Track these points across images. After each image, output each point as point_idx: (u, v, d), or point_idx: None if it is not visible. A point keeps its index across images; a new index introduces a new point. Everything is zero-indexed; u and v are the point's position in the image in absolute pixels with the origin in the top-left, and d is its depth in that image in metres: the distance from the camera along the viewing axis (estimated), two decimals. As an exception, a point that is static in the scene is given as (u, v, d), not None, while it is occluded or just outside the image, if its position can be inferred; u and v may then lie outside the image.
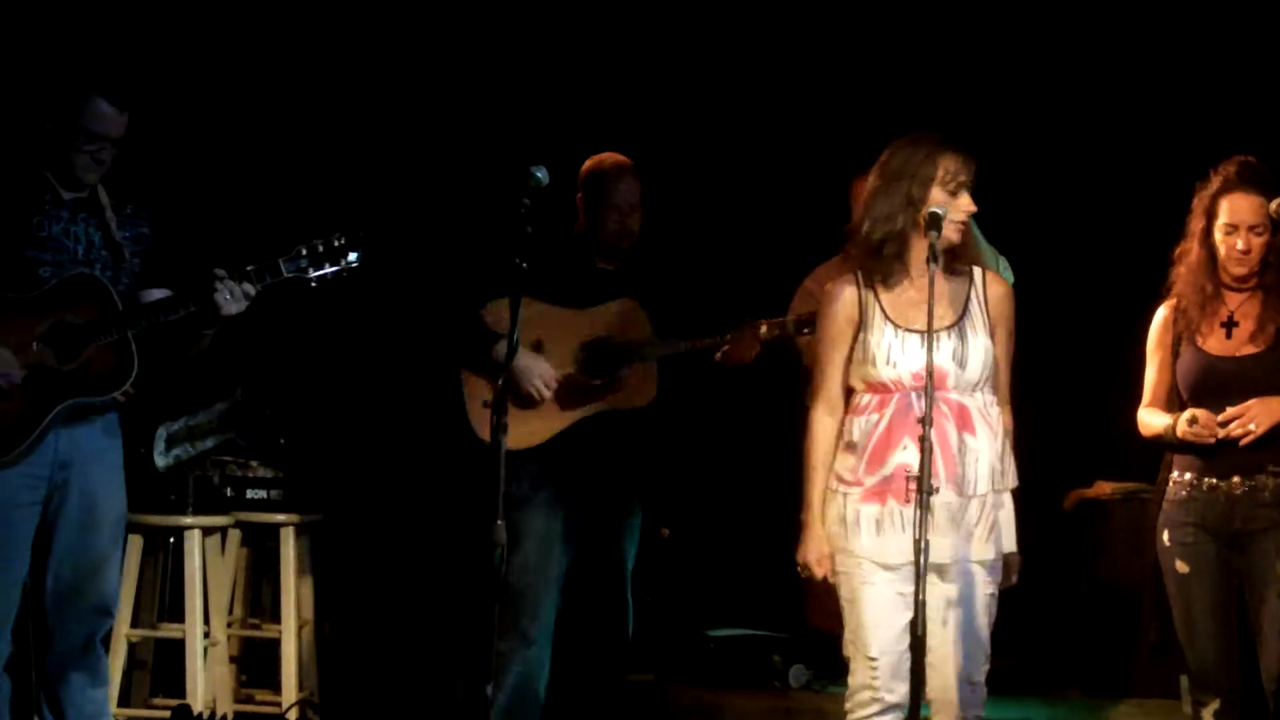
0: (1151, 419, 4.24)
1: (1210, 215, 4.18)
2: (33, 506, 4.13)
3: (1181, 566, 4.14)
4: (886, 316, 3.88)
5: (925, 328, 3.71)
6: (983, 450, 3.85)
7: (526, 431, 4.67)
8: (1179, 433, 4.11)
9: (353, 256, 4.18)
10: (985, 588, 3.86)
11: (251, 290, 4.12)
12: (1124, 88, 6.62)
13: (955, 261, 3.92)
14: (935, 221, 3.72)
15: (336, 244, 4.19)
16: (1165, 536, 4.19)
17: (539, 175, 3.88)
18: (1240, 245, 4.13)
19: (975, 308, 3.92)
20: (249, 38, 6.46)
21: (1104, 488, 6.45)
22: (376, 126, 6.68)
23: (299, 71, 6.55)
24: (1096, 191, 6.77)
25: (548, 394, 4.76)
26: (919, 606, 3.55)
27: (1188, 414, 4.10)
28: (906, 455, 3.80)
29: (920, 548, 3.54)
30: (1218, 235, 4.17)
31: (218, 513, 5.36)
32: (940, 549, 3.75)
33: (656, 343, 4.90)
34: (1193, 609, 4.14)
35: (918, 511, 3.56)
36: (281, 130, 6.54)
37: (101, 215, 4.23)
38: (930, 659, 3.74)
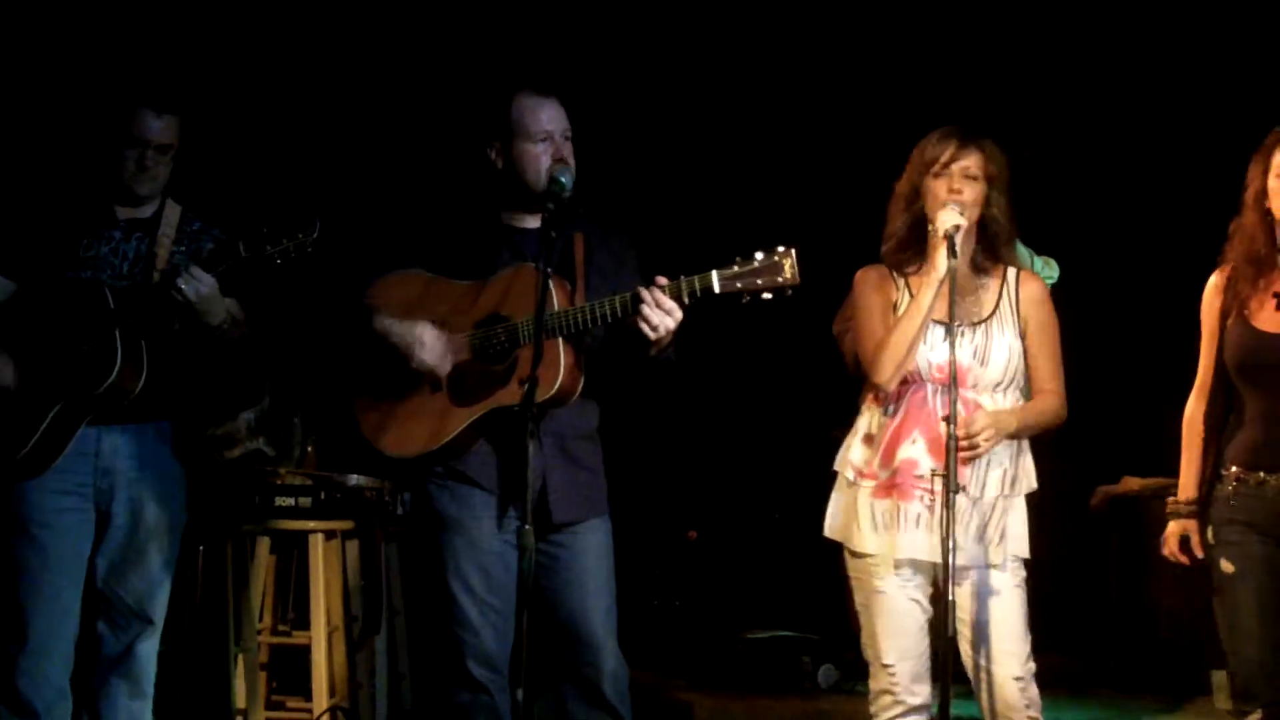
0: (1186, 450, 3.95)
1: (1265, 172, 3.79)
2: (80, 513, 4.18)
3: (1227, 566, 3.80)
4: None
5: (950, 321, 3.72)
6: (996, 454, 3.83)
7: (413, 434, 3.95)
8: (1166, 541, 3.93)
9: (310, 228, 4.05)
10: (1008, 586, 3.82)
11: (205, 274, 4.07)
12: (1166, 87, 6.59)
13: (990, 260, 3.92)
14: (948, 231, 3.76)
15: (293, 220, 4.07)
16: (1210, 534, 3.86)
17: (563, 180, 3.88)
18: None
19: (1005, 306, 3.91)
20: (217, 28, 6.49)
21: (1131, 484, 6.44)
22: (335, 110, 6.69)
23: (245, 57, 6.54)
24: (1130, 186, 6.77)
25: (439, 359, 3.90)
26: (950, 606, 3.55)
27: (1175, 534, 3.91)
28: (914, 450, 3.82)
29: (948, 547, 3.54)
30: (1272, 184, 3.77)
31: (247, 520, 5.39)
32: (929, 548, 3.76)
33: (553, 315, 3.81)
34: (1238, 612, 3.78)
35: (943, 510, 3.57)
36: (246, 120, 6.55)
37: (155, 233, 4.27)
38: (973, 663, 3.78)
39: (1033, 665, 3.83)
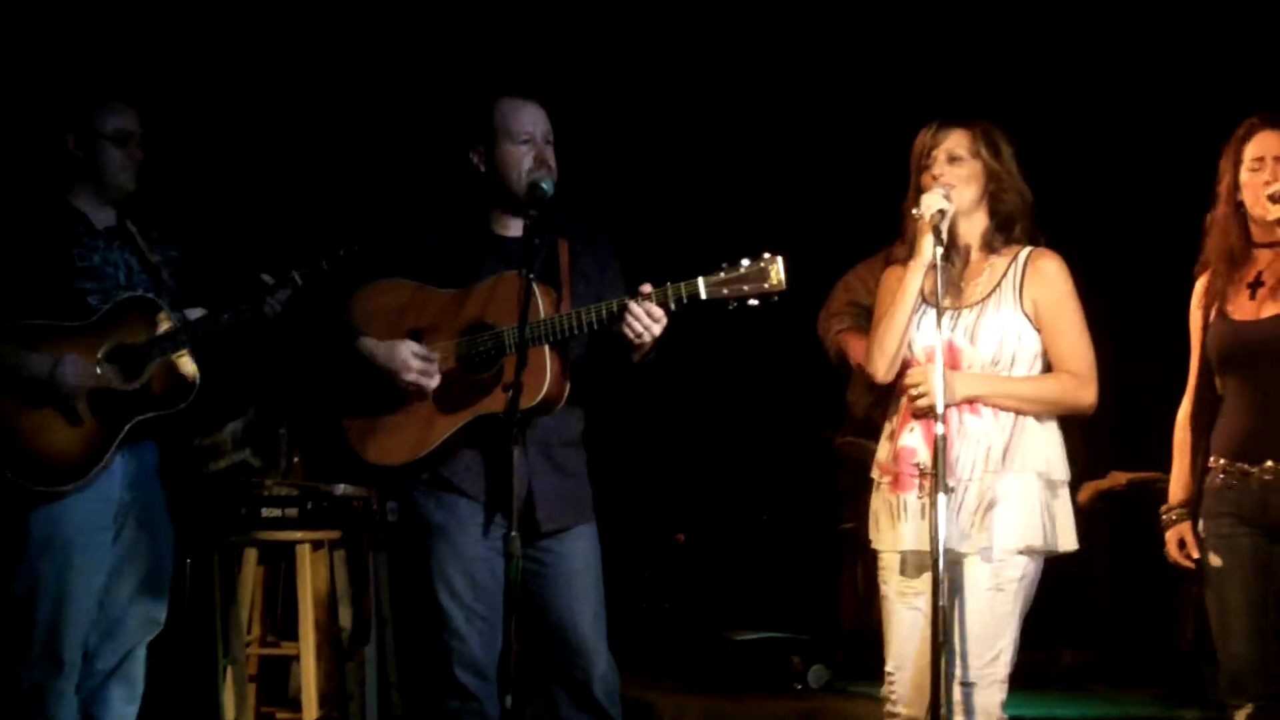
0: (1176, 452, 3.94)
1: (1237, 164, 3.80)
2: (108, 532, 4.18)
3: (1216, 560, 3.76)
4: (920, 291, 3.80)
5: (949, 304, 3.69)
6: (984, 432, 3.71)
7: (398, 443, 3.95)
8: (1168, 551, 3.90)
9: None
10: (980, 582, 3.68)
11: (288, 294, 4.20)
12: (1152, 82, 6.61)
13: (1003, 239, 3.83)
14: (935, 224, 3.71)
15: (356, 230, 4.16)
16: (1201, 527, 3.82)
17: (545, 187, 3.87)
18: (1266, 176, 3.74)
19: (1007, 285, 3.78)
20: (239, 47, 6.47)
21: (1119, 478, 6.44)
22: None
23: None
24: (1116, 176, 6.78)
25: (426, 378, 3.89)
26: (936, 611, 3.51)
27: (1173, 541, 3.88)
28: (912, 439, 3.77)
29: (936, 548, 3.50)
30: (1244, 177, 3.78)
31: (233, 531, 5.37)
32: (920, 538, 3.68)
33: (539, 323, 3.79)
34: (1227, 605, 3.75)
35: (932, 509, 3.54)
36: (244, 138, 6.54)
37: (134, 241, 4.29)
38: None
39: (997, 672, 3.67)
